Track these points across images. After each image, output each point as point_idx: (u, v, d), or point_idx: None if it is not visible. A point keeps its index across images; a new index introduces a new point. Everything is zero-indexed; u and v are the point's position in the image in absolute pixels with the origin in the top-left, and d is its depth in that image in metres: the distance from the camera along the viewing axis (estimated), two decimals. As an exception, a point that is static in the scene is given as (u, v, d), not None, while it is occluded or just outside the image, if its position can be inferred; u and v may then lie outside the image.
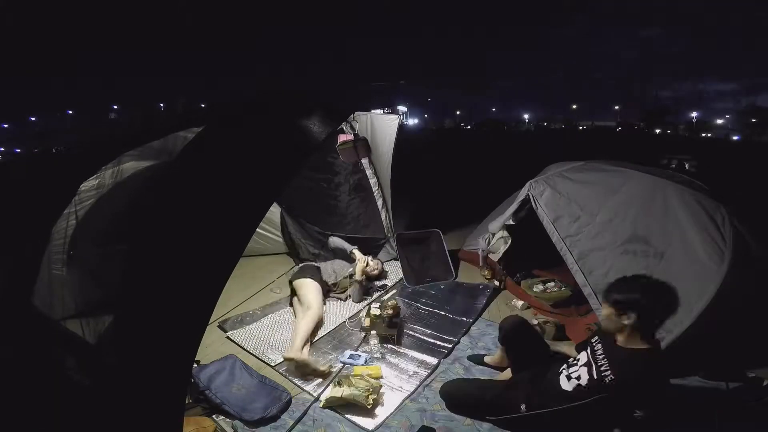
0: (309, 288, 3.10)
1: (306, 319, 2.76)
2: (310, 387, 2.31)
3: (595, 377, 1.70)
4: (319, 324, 2.92)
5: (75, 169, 1.84)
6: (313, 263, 3.56)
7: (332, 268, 3.50)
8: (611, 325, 1.69)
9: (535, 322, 2.86)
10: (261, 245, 4.25)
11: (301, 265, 3.57)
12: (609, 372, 1.65)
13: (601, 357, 1.74)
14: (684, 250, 2.34)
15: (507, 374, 2.29)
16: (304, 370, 2.40)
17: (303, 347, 2.55)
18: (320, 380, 2.36)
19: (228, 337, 2.83)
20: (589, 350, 1.83)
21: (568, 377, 1.83)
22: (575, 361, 1.88)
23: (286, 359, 2.46)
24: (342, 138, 3.43)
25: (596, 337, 1.84)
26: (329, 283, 3.39)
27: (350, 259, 3.64)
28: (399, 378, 2.40)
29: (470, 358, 2.61)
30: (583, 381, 1.75)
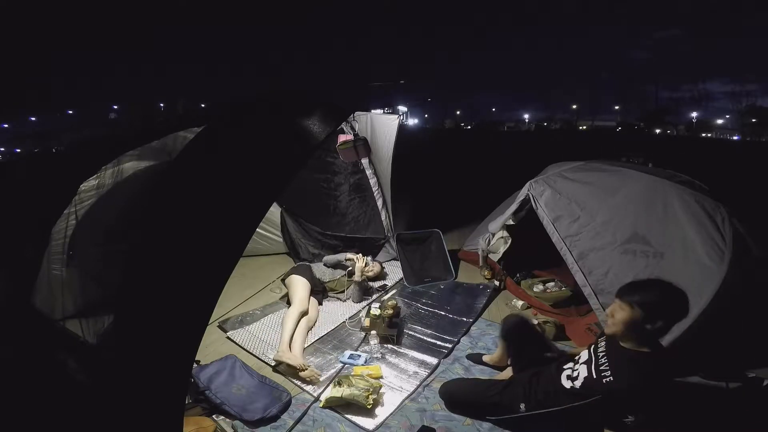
0: (294, 285, 3.10)
1: (287, 318, 2.74)
2: (310, 387, 2.31)
3: (594, 376, 1.69)
4: (303, 315, 2.86)
5: (75, 169, 1.84)
6: (306, 262, 3.54)
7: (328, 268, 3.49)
8: (628, 329, 1.61)
9: (535, 322, 2.86)
10: (261, 245, 4.25)
11: (293, 266, 3.57)
12: (609, 372, 1.65)
13: (602, 355, 1.73)
14: (684, 250, 2.34)
15: (506, 374, 2.29)
16: (292, 372, 2.39)
17: (290, 345, 2.54)
18: (320, 380, 2.36)
19: (228, 337, 2.83)
20: (592, 348, 1.82)
21: (569, 376, 1.83)
22: (578, 359, 1.87)
23: (275, 360, 2.46)
24: (342, 138, 3.43)
25: (603, 336, 1.83)
26: (324, 281, 3.38)
27: (345, 267, 3.55)
28: (399, 378, 2.40)
29: (469, 356, 2.61)
30: (581, 379, 1.74)
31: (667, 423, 1.89)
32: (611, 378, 1.62)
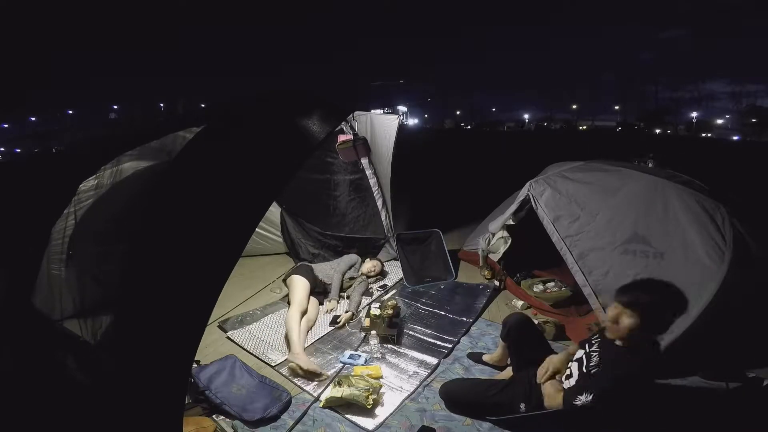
0: (294, 285, 3.09)
1: (290, 320, 2.73)
2: (310, 387, 2.31)
3: (585, 372, 1.69)
4: (303, 315, 2.86)
5: (74, 169, 1.84)
6: (307, 263, 3.52)
7: (330, 268, 3.50)
8: (617, 327, 1.64)
9: (535, 322, 2.86)
10: (261, 245, 4.25)
11: (295, 266, 3.57)
12: (598, 369, 1.65)
13: (595, 354, 1.74)
14: (684, 250, 2.34)
15: (507, 374, 2.29)
16: (299, 372, 2.40)
17: (300, 346, 2.55)
18: (320, 380, 2.36)
19: (228, 337, 2.83)
20: (587, 346, 1.82)
21: (566, 375, 1.83)
22: (572, 358, 1.88)
23: (289, 361, 2.46)
24: (342, 138, 3.43)
25: (597, 335, 1.84)
26: (326, 282, 3.38)
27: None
28: (399, 378, 2.40)
29: (470, 355, 2.61)
30: (575, 377, 1.75)
31: (668, 423, 1.89)
32: (600, 374, 1.62)
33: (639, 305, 1.57)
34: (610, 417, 1.77)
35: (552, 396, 1.77)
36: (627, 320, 1.59)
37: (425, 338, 2.82)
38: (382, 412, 2.11)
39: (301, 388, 2.31)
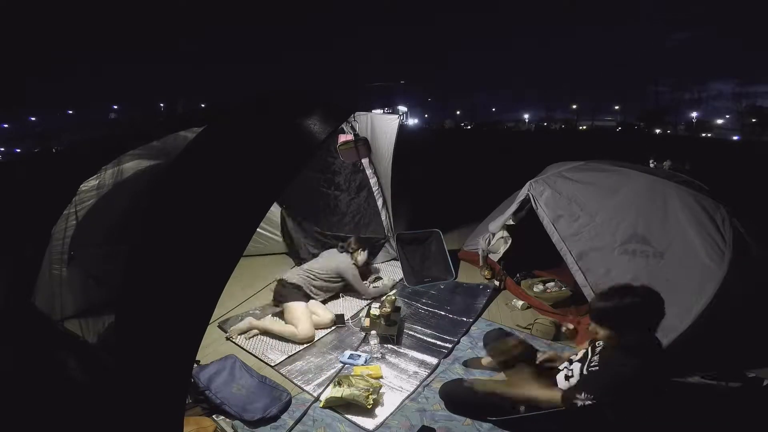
0: (294, 314, 2.88)
1: (288, 330, 2.77)
2: (310, 387, 2.31)
3: (585, 374, 1.70)
4: (307, 341, 2.77)
5: (75, 169, 1.84)
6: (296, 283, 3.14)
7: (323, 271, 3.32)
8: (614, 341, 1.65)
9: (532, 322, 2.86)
10: (261, 245, 4.25)
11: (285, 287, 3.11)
12: (597, 369, 1.66)
13: (597, 355, 1.74)
14: (684, 250, 2.35)
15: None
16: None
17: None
18: (320, 380, 2.37)
19: (228, 338, 2.83)
20: (590, 347, 1.82)
21: (566, 376, 1.83)
22: (573, 358, 1.88)
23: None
24: (342, 138, 3.43)
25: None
26: (322, 281, 3.28)
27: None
28: (399, 378, 2.40)
29: (466, 363, 2.54)
30: (576, 377, 1.75)
31: (667, 423, 1.89)
32: (597, 374, 1.63)
33: (606, 318, 1.62)
34: (614, 418, 1.77)
35: (546, 394, 1.76)
36: (602, 333, 1.65)
37: (425, 338, 2.83)
38: (382, 412, 2.11)
39: (301, 388, 2.31)
